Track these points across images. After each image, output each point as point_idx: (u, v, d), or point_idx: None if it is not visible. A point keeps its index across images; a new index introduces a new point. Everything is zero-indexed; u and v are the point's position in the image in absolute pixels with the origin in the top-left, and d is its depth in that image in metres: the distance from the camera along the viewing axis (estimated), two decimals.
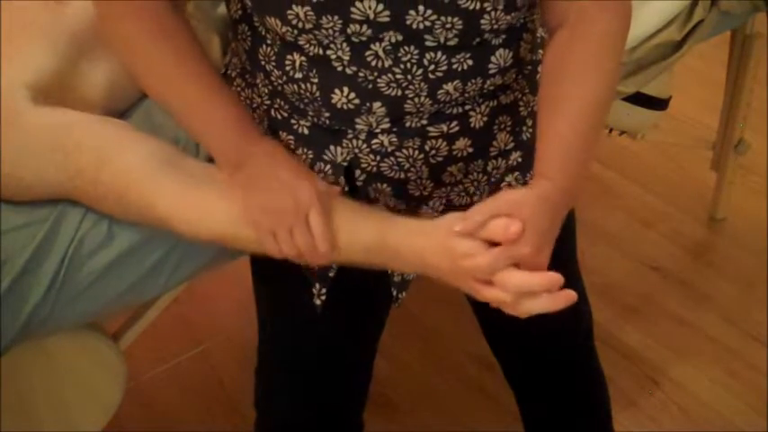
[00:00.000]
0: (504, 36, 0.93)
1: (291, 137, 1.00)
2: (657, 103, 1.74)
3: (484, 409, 1.70)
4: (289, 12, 0.87)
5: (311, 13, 0.86)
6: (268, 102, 1.01)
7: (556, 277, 0.86)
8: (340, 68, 0.91)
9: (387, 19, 0.87)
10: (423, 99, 0.93)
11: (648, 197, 2.25)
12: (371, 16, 0.87)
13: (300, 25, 0.88)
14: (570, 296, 0.87)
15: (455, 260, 0.89)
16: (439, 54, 0.90)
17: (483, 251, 0.87)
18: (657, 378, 1.76)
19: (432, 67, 0.91)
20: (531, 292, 0.87)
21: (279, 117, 1.00)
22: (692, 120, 2.42)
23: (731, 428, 1.65)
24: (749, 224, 2.13)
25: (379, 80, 0.91)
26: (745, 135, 2.02)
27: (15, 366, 1.12)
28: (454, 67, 0.91)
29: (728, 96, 1.97)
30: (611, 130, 1.85)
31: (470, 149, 1.00)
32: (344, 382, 1.16)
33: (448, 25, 0.88)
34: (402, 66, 0.90)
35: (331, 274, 1.05)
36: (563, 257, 1.17)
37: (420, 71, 0.91)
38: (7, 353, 1.02)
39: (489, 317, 1.01)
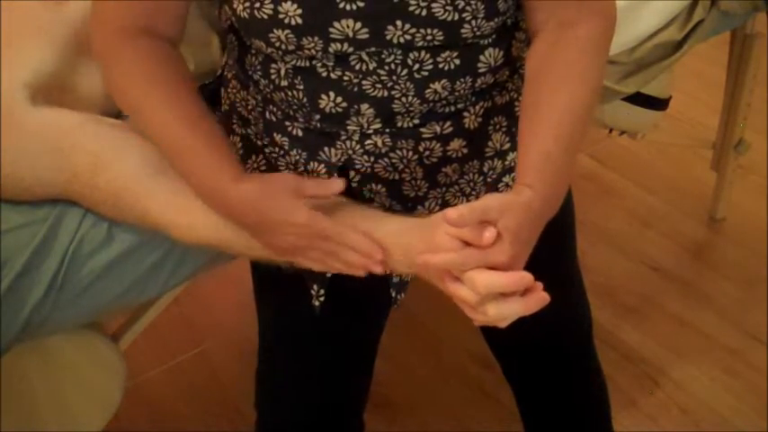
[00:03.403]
0: (493, 36, 0.93)
1: (286, 139, 1.00)
2: (657, 103, 1.74)
3: (484, 409, 1.70)
4: (271, 35, 0.88)
5: (292, 35, 0.87)
6: (262, 105, 1.01)
7: (525, 277, 0.82)
8: (324, 74, 0.92)
9: (366, 36, 0.87)
10: (410, 99, 0.93)
11: (648, 197, 2.25)
12: (351, 35, 0.87)
13: (283, 47, 0.89)
14: (543, 298, 0.83)
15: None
16: (423, 53, 0.90)
17: (458, 248, 0.83)
18: (657, 378, 1.76)
19: (416, 66, 0.90)
20: (499, 293, 0.82)
21: (273, 119, 1.01)
22: (692, 120, 2.42)
23: (731, 428, 1.65)
24: (749, 224, 2.13)
25: (364, 82, 0.91)
26: (745, 135, 2.01)
27: (15, 366, 1.12)
28: (440, 66, 0.91)
29: (728, 96, 1.97)
30: (611, 130, 1.85)
31: (465, 150, 1.00)
32: (345, 384, 1.16)
33: (428, 37, 0.88)
34: (386, 67, 0.90)
35: (328, 275, 1.05)
36: (563, 258, 1.17)
37: (405, 71, 0.91)
38: (7, 353, 1.02)
39: None
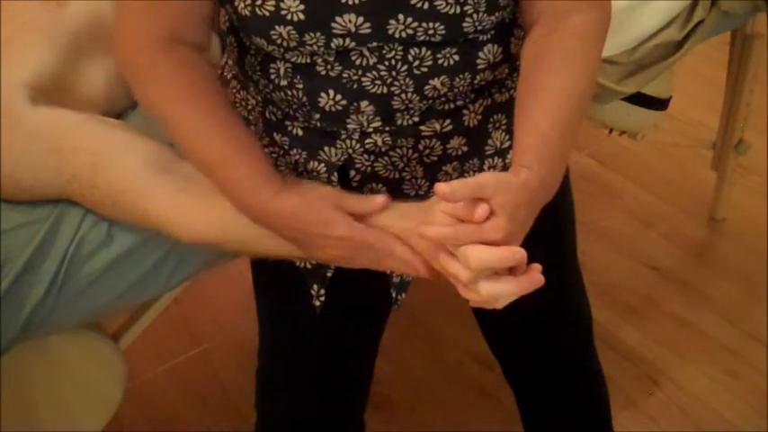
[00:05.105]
0: (492, 32, 0.93)
1: (286, 138, 1.00)
2: (657, 103, 1.74)
3: (484, 409, 1.70)
4: (272, 32, 0.88)
5: (294, 32, 0.87)
6: (261, 105, 1.01)
7: (518, 252, 0.81)
8: (324, 72, 0.92)
9: (368, 30, 0.87)
10: (410, 95, 0.93)
11: (648, 197, 2.25)
12: (353, 29, 0.87)
13: (285, 44, 0.89)
14: (537, 279, 0.82)
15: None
16: (423, 50, 0.90)
17: (451, 223, 0.83)
18: (657, 378, 1.76)
19: (416, 62, 0.90)
20: (492, 272, 0.82)
21: (273, 119, 1.01)
22: (692, 120, 2.42)
23: (731, 428, 1.65)
24: (749, 224, 2.13)
25: (363, 79, 0.91)
26: (745, 135, 2.01)
27: (15, 366, 1.12)
28: (440, 62, 0.91)
29: (728, 96, 1.97)
30: (611, 131, 1.85)
31: (465, 148, 1.00)
32: (345, 384, 1.16)
33: (430, 31, 0.88)
34: (386, 63, 0.90)
35: (328, 274, 1.05)
36: (563, 257, 1.17)
37: (405, 67, 0.91)
38: (7, 353, 1.02)
39: (488, 316, 1.01)
